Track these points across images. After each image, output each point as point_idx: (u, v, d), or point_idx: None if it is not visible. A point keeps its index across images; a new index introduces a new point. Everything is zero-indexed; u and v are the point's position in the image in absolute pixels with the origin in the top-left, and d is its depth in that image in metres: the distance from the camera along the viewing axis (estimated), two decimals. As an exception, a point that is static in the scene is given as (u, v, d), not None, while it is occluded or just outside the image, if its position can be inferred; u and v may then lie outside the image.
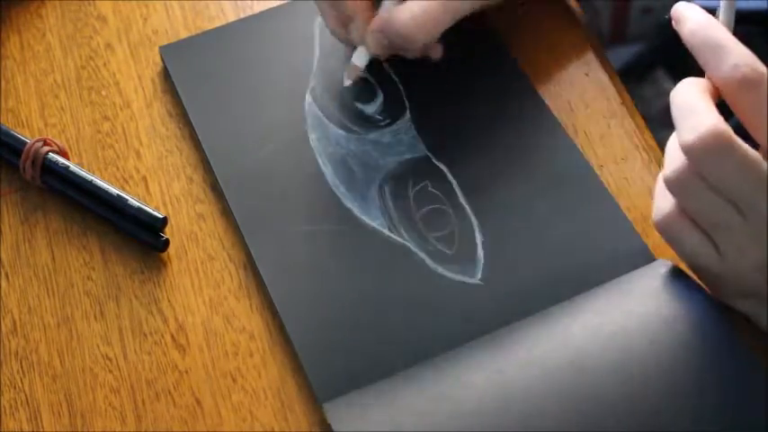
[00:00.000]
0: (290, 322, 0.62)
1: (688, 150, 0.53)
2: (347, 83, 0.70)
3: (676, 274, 0.60)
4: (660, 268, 0.61)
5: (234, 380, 0.61)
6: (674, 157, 0.55)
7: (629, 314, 0.59)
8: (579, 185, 0.66)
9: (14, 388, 0.62)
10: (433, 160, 0.68)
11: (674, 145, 0.56)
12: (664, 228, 0.58)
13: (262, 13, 0.75)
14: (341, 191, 0.67)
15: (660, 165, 0.67)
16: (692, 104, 0.54)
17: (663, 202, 0.58)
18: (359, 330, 0.61)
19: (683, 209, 0.57)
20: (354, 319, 0.62)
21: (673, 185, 0.56)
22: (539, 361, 0.58)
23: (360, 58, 0.69)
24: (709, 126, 0.52)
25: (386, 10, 0.67)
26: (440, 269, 0.63)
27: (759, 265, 0.55)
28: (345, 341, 0.61)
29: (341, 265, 0.64)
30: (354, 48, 0.70)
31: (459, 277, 0.63)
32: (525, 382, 0.57)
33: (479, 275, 0.63)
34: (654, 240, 0.64)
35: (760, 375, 0.56)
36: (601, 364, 0.57)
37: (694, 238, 0.57)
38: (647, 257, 0.63)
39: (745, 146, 0.53)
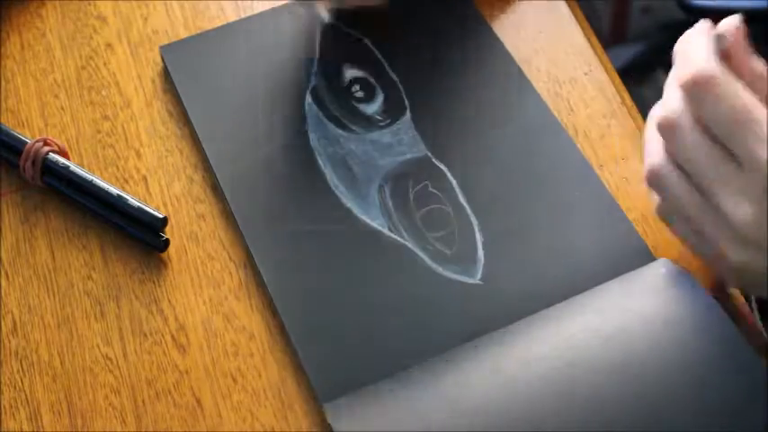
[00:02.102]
0: (290, 322, 0.62)
1: (680, 88, 0.53)
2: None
3: (676, 273, 0.60)
4: (660, 268, 0.61)
5: (234, 380, 0.61)
6: (668, 99, 0.55)
7: (629, 314, 0.59)
8: (579, 185, 0.66)
9: (14, 388, 0.62)
10: (433, 160, 0.68)
11: (670, 87, 0.55)
12: (652, 177, 0.57)
13: (262, 14, 0.75)
14: (341, 191, 0.67)
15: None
16: (690, 50, 0.54)
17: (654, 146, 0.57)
18: (359, 330, 0.61)
19: (672, 157, 0.55)
20: (354, 319, 0.62)
21: (664, 128, 0.54)
22: (539, 361, 0.58)
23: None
24: (700, 65, 0.53)
25: None
26: (440, 269, 0.63)
27: (756, 217, 0.52)
28: (345, 341, 0.61)
29: (341, 265, 0.64)
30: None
31: (459, 277, 0.63)
32: (525, 383, 0.57)
33: (479, 275, 0.63)
34: (654, 240, 0.64)
35: (760, 375, 0.56)
36: (601, 364, 0.57)
37: (682, 187, 0.55)
38: (647, 257, 0.63)
39: (740, 89, 0.52)
